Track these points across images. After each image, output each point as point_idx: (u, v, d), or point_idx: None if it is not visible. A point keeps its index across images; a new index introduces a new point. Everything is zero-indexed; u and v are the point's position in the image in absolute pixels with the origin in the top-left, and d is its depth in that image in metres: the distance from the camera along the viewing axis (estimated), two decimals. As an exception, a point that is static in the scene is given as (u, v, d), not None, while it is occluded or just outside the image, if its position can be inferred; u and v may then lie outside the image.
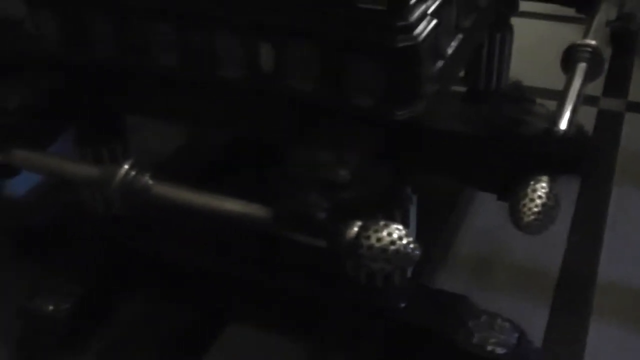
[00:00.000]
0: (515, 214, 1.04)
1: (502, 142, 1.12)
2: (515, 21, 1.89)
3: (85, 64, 1.19)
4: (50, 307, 1.38)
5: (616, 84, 2.46)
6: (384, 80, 1.05)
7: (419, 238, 1.22)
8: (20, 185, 1.73)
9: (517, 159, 1.10)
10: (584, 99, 1.39)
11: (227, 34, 1.09)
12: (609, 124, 2.28)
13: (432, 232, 1.50)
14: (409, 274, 1.26)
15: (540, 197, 1.04)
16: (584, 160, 1.97)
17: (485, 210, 1.76)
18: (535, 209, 1.03)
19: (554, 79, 1.43)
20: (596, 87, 2.37)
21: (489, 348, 1.28)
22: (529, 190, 1.05)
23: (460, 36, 1.32)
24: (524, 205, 1.04)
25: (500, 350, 1.29)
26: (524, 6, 1.87)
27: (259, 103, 1.10)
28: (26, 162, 1.19)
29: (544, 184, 1.05)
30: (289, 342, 1.41)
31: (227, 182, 1.32)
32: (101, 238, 1.43)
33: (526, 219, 1.03)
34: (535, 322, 1.57)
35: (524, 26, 2.19)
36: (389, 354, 1.32)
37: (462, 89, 1.89)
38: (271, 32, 1.07)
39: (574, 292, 1.67)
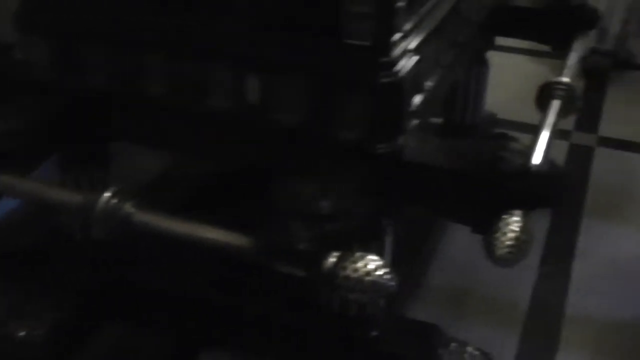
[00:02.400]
0: (488, 247, 1.07)
1: (479, 176, 1.15)
2: (494, 55, 1.94)
3: (73, 91, 1.20)
4: (23, 333, 1.38)
5: (587, 119, 2.53)
6: (367, 115, 1.08)
7: (393, 268, 1.25)
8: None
9: (492, 194, 1.13)
10: (556, 133, 1.42)
11: (216, 66, 1.11)
12: (579, 158, 2.33)
13: (406, 262, 1.52)
14: (382, 303, 1.29)
15: (513, 231, 1.07)
16: (554, 195, 2.02)
17: (458, 241, 1.80)
18: (508, 243, 1.06)
19: (531, 112, 1.47)
20: (568, 122, 2.42)
21: (460, 376, 1.31)
22: (503, 224, 1.07)
23: (439, 71, 1.36)
24: (497, 238, 1.06)
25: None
26: (503, 41, 1.92)
27: (245, 134, 1.13)
28: (7, 188, 1.18)
29: (517, 218, 1.08)
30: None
31: (211, 211, 1.32)
32: (79, 264, 1.43)
33: (499, 252, 1.06)
34: (505, 351, 1.60)
35: (502, 60, 2.25)
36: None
37: (438, 120, 1.93)
38: (259, 65, 1.10)
39: (543, 323, 1.71)
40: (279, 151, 1.12)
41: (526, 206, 1.11)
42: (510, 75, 2.50)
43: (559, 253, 1.91)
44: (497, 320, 1.69)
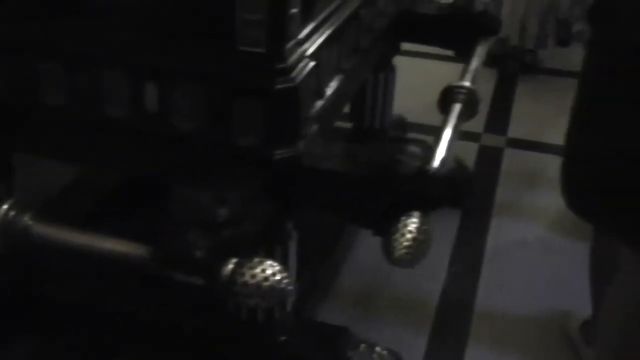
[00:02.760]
0: (387, 249, 1.09)
1: (377, 180, 1.18)
2: (403, 60, 1.98)
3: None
4: None
5: (497, 121, 2.60)
6: (264, 121, 1.10)
7: (301, 273, 1.26)
8: None
9: (390, 197, 1.16)
10: (466, 135, 1.45)
11: (113, 74, 1.11)
12: (489, 159, 2.40)
13: (317, 265, 1.54)
14: (289, 307, 1.30)
15: (410, 232, 1.09)
16: (463, 194, 2.08)
17: (369, 244, 1.81)
18: (406, 243, 1.08)
19: (440, 115, 1.50)
20: (478, 124, 2.49)
21: (368, 377, 1.33)
22: (400, 225, 1.10)
23: (341, 76, 1.38)
24: (395, 240, 1.08)
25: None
26: (411, 46, 1.96)
27: (143, 142, 1.12)
28: None
29: (414, 220, 1.10)
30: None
31: (116, 221, 1.31)
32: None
33: (397, 253, 1.08)
34: (415, 350, 1.63)
35: (411, 65, 2.28)
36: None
37: (348, 125, 1.95)
38: (155, 72, 1.10)
39: (452, 320, 1.75)
40: (176, 159, 1.11)
41: (424, 207, 1.14)
42: (419, 79, 2.55)
43: (468, 252, 1.96)
44: (407, 320, 1.72)
